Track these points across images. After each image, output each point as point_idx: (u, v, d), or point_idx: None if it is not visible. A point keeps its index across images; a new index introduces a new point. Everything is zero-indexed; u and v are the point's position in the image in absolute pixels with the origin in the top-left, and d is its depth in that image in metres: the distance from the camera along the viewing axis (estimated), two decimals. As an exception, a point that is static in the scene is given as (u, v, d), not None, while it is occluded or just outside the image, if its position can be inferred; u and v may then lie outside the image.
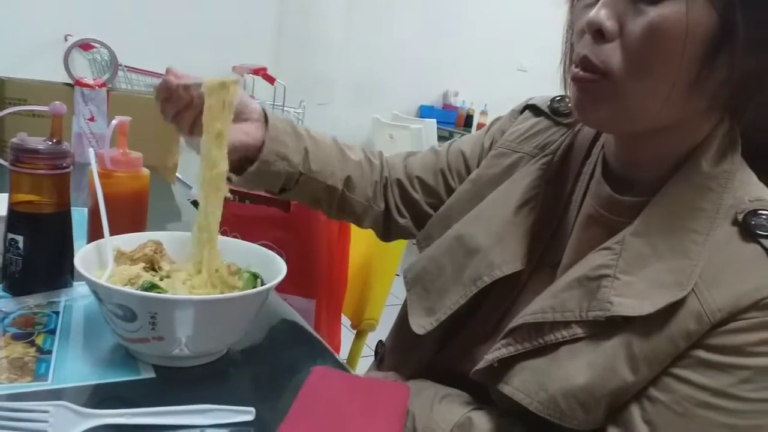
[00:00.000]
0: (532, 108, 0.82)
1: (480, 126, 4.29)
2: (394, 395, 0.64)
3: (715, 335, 0.55)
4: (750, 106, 0.59)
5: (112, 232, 0.70)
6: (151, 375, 0.63)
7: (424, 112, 4.49)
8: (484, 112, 4.48)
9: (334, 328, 1.33)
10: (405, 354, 0.81)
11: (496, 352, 0.64)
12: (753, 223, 0.57)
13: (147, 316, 0.59)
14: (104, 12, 3.12)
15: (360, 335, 1.38)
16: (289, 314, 0.85)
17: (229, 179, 0.73)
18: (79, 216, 0.85)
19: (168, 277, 0.69)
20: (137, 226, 0.87)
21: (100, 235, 0.70)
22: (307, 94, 3.48)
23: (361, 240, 1.36)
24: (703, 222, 0.59)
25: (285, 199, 0.85)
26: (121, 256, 0.71)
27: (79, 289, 0.77)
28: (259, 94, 3.16)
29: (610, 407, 0.58)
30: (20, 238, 0.73)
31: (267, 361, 0.72)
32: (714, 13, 0.53)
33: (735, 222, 0.58)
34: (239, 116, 0.75)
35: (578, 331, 0.60)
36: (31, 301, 0.73)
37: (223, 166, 0.69)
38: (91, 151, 0.78)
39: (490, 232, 0.72)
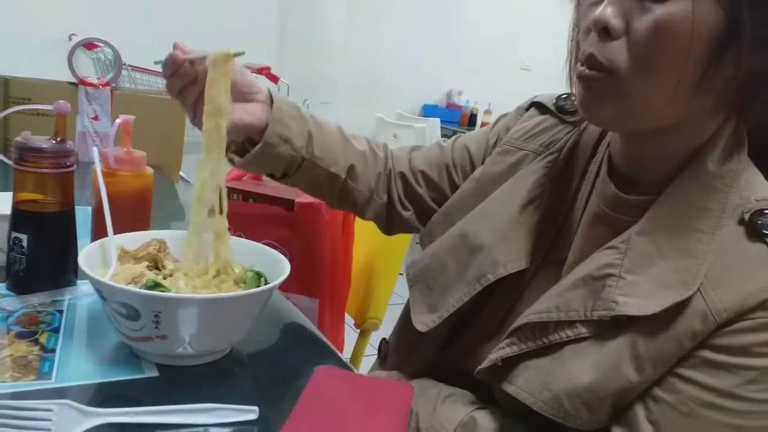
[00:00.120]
0: (537, 105, 0.82)
1: (484, 125, 4.27)
2: (398, 395, 0.64)
3: (721, 335, 0.55)
4: (756, 104, 0.59)
5: (116, 231, 0.70)
6: (155, 374, 0.63)
7: (428, 111, 4.49)
8: (487, 111, 4.48)
9: (337, 327, 1.33)
10: (408, 352, 0.81)
11: (500, 351, 0.64)
12: (759, 222, 0.57)
13: (150, 314, 0.59)
14: (108, 11, 3.13)
15: (363, 334, 1.38)
16: (292, 313, 0.84)
17: (231, 161, 0.73)
18: (83, 215, 0.85)
19: (171, 275, 0.69)
20: (141, 224, 0.87)
21: (104, 234, 0.70)
22: (311, 94, 3.48)
23: (365, 239, 1.36)
24: (709, 221, 0.58)
25: (286, 184, 0.84)
26: (124, 255, 0.71)
27: (83, 287, 0.77)
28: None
29: (615, 407, 0.58)
30: (24, 237, 0.73)
31: (270, 360, 0.71)
32: (720, 11, 0.53)
33: (741, 221, 0.58)
34: (244, 96, 0.75)
35: (583, 330, 0.60)
36: (35, 299, 0.73)
37: (223, 141, 0.69)
38: (95, 150, 0.78)
39: (495, 230, 0.72)
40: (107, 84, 1.53)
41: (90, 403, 0.54)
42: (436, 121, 3.83)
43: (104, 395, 0.59)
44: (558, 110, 0.78)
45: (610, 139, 0.70)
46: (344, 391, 0.63)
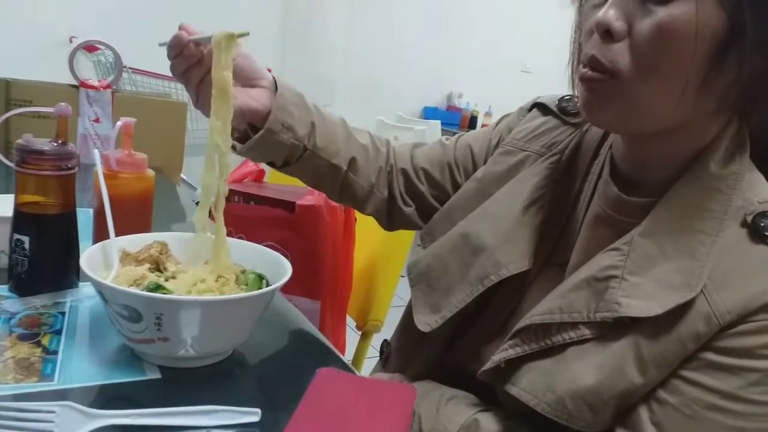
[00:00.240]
0: (540, 107, 0.82)
1: (484, 127, 4.28)
2: (400, 397, 0.64)
3: (724, 337, 0.55)
4: (759, 106, 0.59)
5: (118, 233, 0.70)
6: (157, 376, 0.63)
7: (428, 113, 4.49)
8: (488, 114, 4.48)
9: (339, 329, 1.33)
10: (411, 353, 0.81)
11: (503, 352, 0.64)
12: (762, 224, 0.57)
13: (152, 316, 0.59)
14: (109, 14, 3.13)
15: (365, 336, 1.38)
16: (294, 315, 0.84)
17: (233, 147, 0.73)
18: (85, 217, 0.85)
19: (173, 277, 0.69)
20: (142, 227, 0.87)
21: (106, 236, 0.70)
22: (312, 96, 3.46)
23: (366, 241, 1.36)
24: (711, 223, 0.58)
25: (287, 173, 0.83)
26: (126, 257, 0.71)
27: (85, 289, 0.77)
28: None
29: (618, 409, 0.58)
30: (26, 239, 0.73)
31: (272, 362, 0.71)
32: (723, 13, 0.53)
33: (744, 223, 0.58)
34: (248, 81, 0.75)
35: (586, 332, 0.60)
36: (37, 301, 0.73)
37: (229, 123, 0.69)
38: (96, 153, 0.78)
39: (498, 231, 0.72)
40: (108, 86, 1.54)
41: (92, 405, 0.54)
42: (436, 124, 3.83)
43: (106, 397, 0.59)
44: (560, 112, 0.78)
45: (612, 140, 0.70)
46: (346, 393, 0.63)
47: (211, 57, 0.69)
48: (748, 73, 0.55)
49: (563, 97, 0.79)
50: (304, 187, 1.29)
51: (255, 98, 0.75)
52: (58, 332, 0.68)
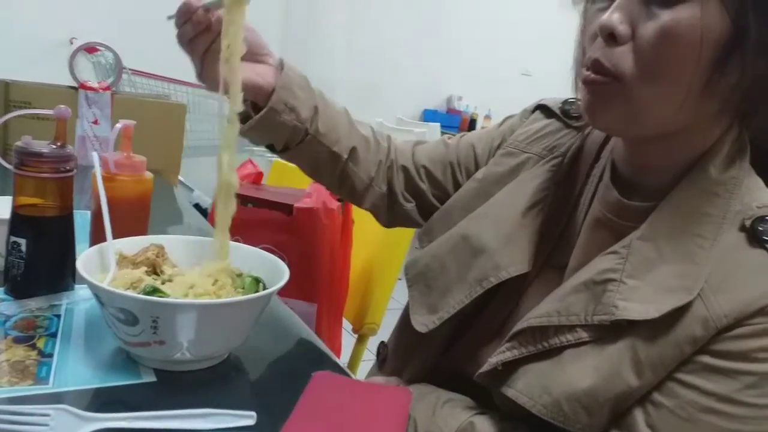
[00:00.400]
0: (543, 109, 0.82)
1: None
2: (396, 400, 0.64)
3: (721, 341, 0.55)
4: (760, 110, 0.59)
5: (115, 236, 0.70)
6: (152, 379, 0.62)
7: (428, 116, 4.49)
8: (488, 117, 4.48)
9: (335, 332, 1.33)
10: (408, 354, 0.80)
11: (500, 355, 0.64)
12: (760, 229, 0.57)
13: (149, 320, 0.59)
14: (109, 15, 3.13)
15: (361, 340, 1.38)
16: (290, 318, 0.84)
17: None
18: (82, 219, 0.85)
19: (170, 281, 0.69)
20: (140, 229, 0.88)
21: (103, 238, 0.70)
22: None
23: (363, 244, 1.36)
24: (710, 227, 0.59)
25: (286, 159, 0.82)
26: (123, 260, 0.71)
27: (81, 292, 0.77)
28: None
29: (614, 412, 0.58)
30: (23, 241, 0.73)
31: (268, 366, 0.71)
32: (726, 17, 0.53)
33: (742, 228, 0.58)
34: (254, 56, 0.74)
35: (583, 335, 0.60)
36: (33, 304, 0.73)
37: (238, 99, 0.69)
38: (95, 155, 0.78)
39: (498, 233, 0.72)
40: (107, 88, 1.54)
41: (87, 409, 0.54)
42: (436, 126, 3.84)
43: (102, 400, 0.58)
44: (563, 114, 0.78)
45: (614, 144, 0.71)
46: (342, 396, 0.63)
47: (219, 24, 0.68)
48: (751, 78, 0.55)
49: (566, 100, 0.79)
50: (302, 190, 1.29)
51: (260, 74, 0.74)
52: (54, 335, 0.68)
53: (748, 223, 0.58)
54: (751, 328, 0.54)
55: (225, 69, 0.68)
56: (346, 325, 1.40)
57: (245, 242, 0.78)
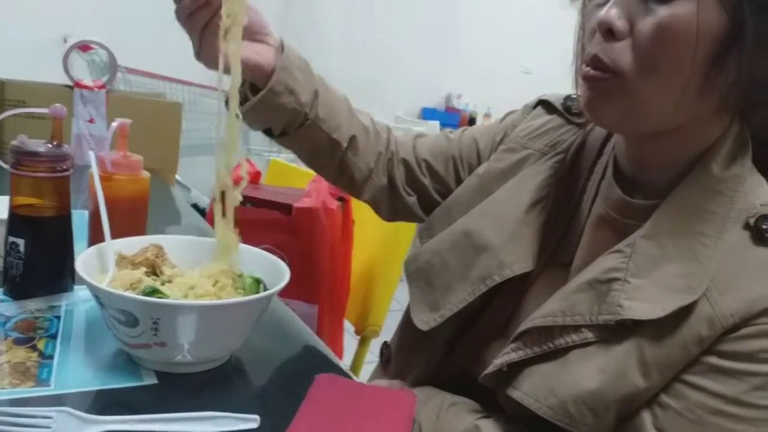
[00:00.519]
0: (545, 104, 0.81)
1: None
2: (401, 403, 0.63)
3: (727, 341, 0.55)
4: (759, 107, 0.59)
5: (113, 235, 0.69)
6: (154, 381, 0.62)
7: (427, 114, 4.48)
8: (487, 115, 4.47)
9: (336, 334, 1.33)
10: (411, 354, 0.80)
11: (505, 356, 0.63)
12: (765, 227, 0.57)
13: (149, 321, 0.58)
14: (103, 13, 3.11)
15: (364, 341, 1.37)
16: (291, 319, 0.84)
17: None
18: (80, 219, 0.85)
19: (170, 281, 0.68)
20: (138, 229, 0.87)
21: (101, 238, 0.69)
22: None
23: (365, 244, 1.36)
24: (714, 225, 0.58)
25: (284, 145, 0.80)
26: (122, 260, 0.70)
27: (80, 293, 0.77)
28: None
29: (621, 413, 0.58)
30: (21, 242, 0.72)
31: (270, 368, 0.71)
32: (724, 13, 0.53)
33: (746, 226, 0.58)
34: (254, 35, 0.72)
35: (588, 335, 0.59)
36: (32, 305, 0.72)
37: (237, 80, 0.67)
38: (91, 154, 0.77)
39: (501, 231, 0.71)
40: (102, 86, 1.53)
41: (89, 411, 0.53)
42: (435, 124, 3.83)
43: (103, 403, 0.58)
44: (565, 111, 0.78)
45: (616, 141, 0.70)
46: (346, 399, 0.62)
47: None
48: (748, 74, 0.55)
49: (568, 96, 0.79)
50: (301, 190, 1.29)
51: (260, 53, 0.72)
52: (54, 336, 0.67)
53: (752, 221, 0.58)
54: (758, 328, 0.54)
55: (225, 44, 0.66)
56: (349, 327, 1.39)
57: (244, 242, 0.77)
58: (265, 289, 0.68)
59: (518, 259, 0.69)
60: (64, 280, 0.77)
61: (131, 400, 0.59)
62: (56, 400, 0.56)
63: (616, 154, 0.69)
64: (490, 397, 0.67)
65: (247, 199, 1.20)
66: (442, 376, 0.75)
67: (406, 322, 0.80)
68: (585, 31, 0.62)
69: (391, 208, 0.88)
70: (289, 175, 1.67)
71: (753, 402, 0.54)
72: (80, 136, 1.49)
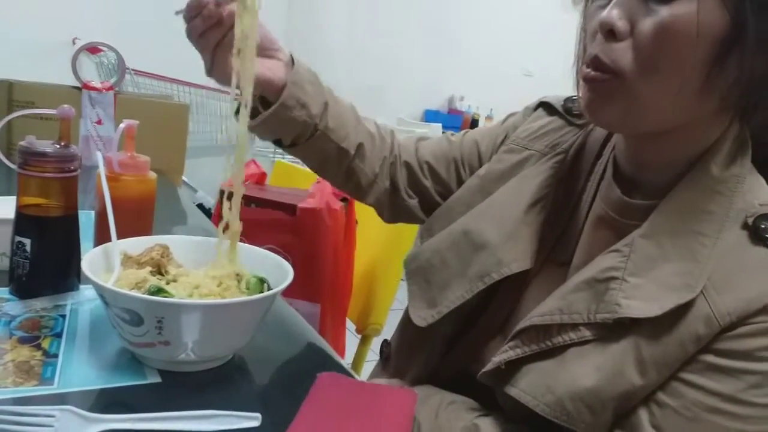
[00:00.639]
0: (545, 106, 0.82)
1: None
2: (401, 401, 0.64)
3: (724, 340, 0.55)
4: (759, 107, 0.59)
5: (119, 235, 0.70)
6: (157, 380, 0.62)
7: (429, 116, 4.48)
8: (489, 117, 4.47)
9: (338, 333, 1.33)
10: (411, 352, 0.80)
11: (503, 354, 0.64)
12: (763, 227, 0.57)
13: (153, 320, 0.59)
14: (112, 16, 3.13)
15: (365, 340, 1.38)
16: (294, 319, 0.84)
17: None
18: (86, 219, 0.85)
19: (175, 281, 0.69)
20: (144, 229, 0.87)
21: (107, 238, 0.70)
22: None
23: (367, 245, 1.36)
24: (712, 225, 0.59)
25: (294, 154, 0.82)
26: (127, 260, 0.70)
27: (86, 292, 0.77)
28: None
29: (618, 411, 0.58)
30: (27, 241, 0.73)
31: (273, 366, 0.71)
32: (725, 13, 0.53)
33: (745, 226, 0.58)
34: (264, 51, 0.73)
35: (586, 333, 0.60)
36: (38, 304, 0.73)
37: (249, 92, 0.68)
38: (99, 155, 0.78)
39: (500, 229, 0.71)
40: (111, 88, 1.54)
41: (92, 409, 0.54)
42: (437, 127, 3.83)
43: (106, 401, 0.58)
44: (566, 112, 0.79)
45: (615, 141, 0.71)
46: (347, 397, 0.62)
47: (231, 17, 0.67)
48: (749, 74, 0.55)
49: (569, 97, 0.79)
50: (305, 190, 1.30)
51: (270, 69, 0.73)
52: (59, 335, 0.68)
53: (750, 220, 0.58)
54: (755, 327, 0.55)
55: (237, 62, 0.67)
56: (350, 325, 1.40)
57: (249, 242, 0.78)
58: (269, 288, 0.69)
59: (516, 258, 0.70)
60: (69, 279, 0.77)
61: (134, 398, 0.59)
62: (59, 399, 0.57)
63: (616, 155, 0.69)
64: (489, 396, 0.67)
65: (251, 200, 1.21)
66: (441, 375, 0.76)
67: (406, 320, 0.80)
68: (587, 33, 0.63)
69: (392, 211, 0.89)
70: (294, 176, 1.68)
71: (750, 400, 0.54)
72: (88, 137, 1.50)
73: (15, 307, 0.72)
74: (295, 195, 1.26)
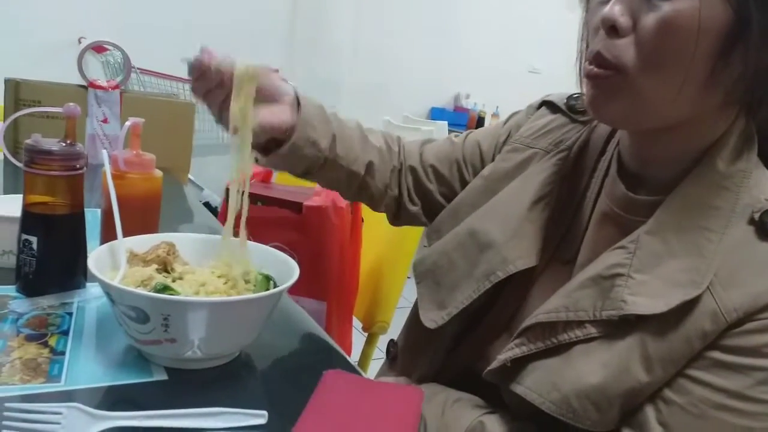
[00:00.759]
0: (548, 104, 0.82)
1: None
2: (408, 399, 0.64)
3: (731, 336, 0.55)
4: (765, 101, 0.59)
5: (125, 233, 0.70)
6: (164, 377, 0.63)
7: (435, 114, 4.49)
8: (495, 115, 4.47)
9: (345, 331, 1.33)
10: (418, 352, 0.80)
11: (509, 352, 0.64)
12: None
13: (160, 317, 0.59)
14: (118, 14, 3.14)
15: (372, 338, 1.38)
16: (300, 316, 0.84)
17: (255, 159, 0.73)
18: (93, 217, 0.86)
19: (181, 278, 0.69)
20: (150, 227, 0.88)
21: (113, 236, 0.70)
22: (319, 96, 3.47)
23: (373, 242, 1.36)
24: (718, 220, 0.58)
25: (304, 179, 0.83)
26: (133, 258, 0.71)
27: (92, 290, 0.78)
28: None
29: (624, 408, 0.58)
30: (34, 239, 0.73)
31: (279, 364, 0.71)
32: (728, 8, 0.53)
33: (751, 221, 0.58)
34: (270, 99, 0.74)
35: (592, 330, 0.59)
36: (45, 302, 0.73)
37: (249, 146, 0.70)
38: (104, 153, 0.78)
39: (505, 228, 0.72)
40: (116, 87, 1.54)
41: (99, 407, 0.54)
42: (443, 124, 3.83)
43: (113, 398, 0.59)
44: (569, 109, 0.79)
45: (620, 137, 0.70)
46: (353, 395, 0.62)
47: (232, 80, 0.69)
48: (754, 68, 0.55)
49: (572, 95, 0.79)
50: (312, 188, 1.29)
51: (276, 114, 0.74)
52: (66, 333, 0.68)
53: (757, 216, 0.58)
54: (762, 323, 0.54)
55: (235, 139, 0.69)
56: (356, 323, 1.40)
57: (255, 240, 0.78)
58: (275, 286, 0.69)
59: (521, 255, 0.70)
60: (76, 277, 0.78)
61: (141, 396, 0.60)
62: (66, 396, 0.57)
63: (620, 151, 0.69)
64: (495, 393, 0.67)
65: (258, 198, 1.21)
66: (447, 373, 0.76)
67: (413, 319, 0.80)
68: (589, 29, 0.62)
69: (396, 216, 0.91)
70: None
71: (757, 397, 0.54)
72: (94, 136, 1.50)
73: (22, 305, 0.72)
74: (301, 193, 1.26)
